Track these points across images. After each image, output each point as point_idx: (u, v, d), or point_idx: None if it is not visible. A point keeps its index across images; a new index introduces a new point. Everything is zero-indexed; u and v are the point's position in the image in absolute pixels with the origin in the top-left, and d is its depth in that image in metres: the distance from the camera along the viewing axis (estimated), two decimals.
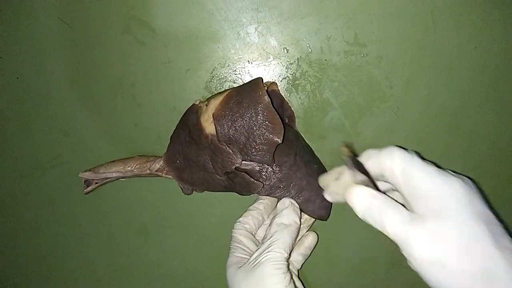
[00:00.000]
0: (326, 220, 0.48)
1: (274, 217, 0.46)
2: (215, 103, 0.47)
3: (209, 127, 0.47)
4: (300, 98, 0.53)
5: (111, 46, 0.53)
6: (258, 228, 0.48)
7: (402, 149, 0.33)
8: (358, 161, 0.35)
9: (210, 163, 0.49)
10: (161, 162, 0.52)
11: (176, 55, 0.53)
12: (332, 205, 0.49)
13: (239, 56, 0.52)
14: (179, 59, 0.53)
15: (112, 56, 0.53)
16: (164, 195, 0.56)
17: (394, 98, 0.53)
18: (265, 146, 0.46)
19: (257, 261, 0.41)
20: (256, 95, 0.46)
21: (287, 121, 0.53)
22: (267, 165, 0.48)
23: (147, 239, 0.58)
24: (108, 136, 0.55)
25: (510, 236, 0.29)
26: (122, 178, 0.55)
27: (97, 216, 0.57)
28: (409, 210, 0.31)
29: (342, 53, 0.52)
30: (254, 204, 0.49)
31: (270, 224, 0.45)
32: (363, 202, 0.33)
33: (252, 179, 0.47)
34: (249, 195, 0.49)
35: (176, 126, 0.52)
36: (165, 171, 0.52)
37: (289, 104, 0.53)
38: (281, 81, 0.53)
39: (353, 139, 0.54)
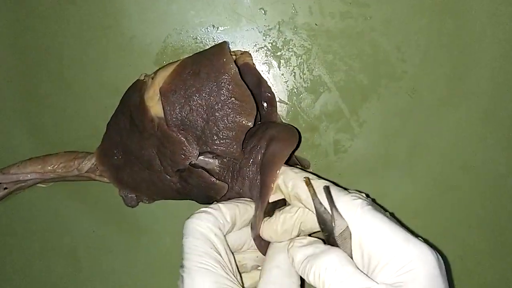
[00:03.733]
0: None
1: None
2: (163, 75, 0.42)
3: (155, 107, 0.42)
4: (283, 75, 0.49)
5: (33, 6, 0.48)
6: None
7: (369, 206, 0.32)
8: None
9: (157, 158, 0.43)
10: (94, 159, 0.46)
11: (118, 18, 0.48)
12: None
13: (201, 20, 0.48)
14: (122, 24, 0.48)
15: (34, 19, 0.48)
16: (100, 207, 0.51)
17: (408, 76, 0.48)
18: (231, 131, 0.41)
19: None
20: (219, 63, 0.40)
21: (265, 106, 0.48)
22: (234, 160, 0.42)
23: (77, 266, 0.52)
24: (27, 126, 0.50)
25: None
26: (41, 182, 0.49)
27: (7, 236, 0.51)
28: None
29: (338, 15, 0.48)
30: (235, 201, 0.40)
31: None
32: (305, 250, 0.33)
33: (214, 178, 0.41)
34: (211, 203, 0.43)
35: (115, 110, 0.46)
36: (98, 171, 0.47)
37: (268, 83, 0.48)
38: (257, 51, 0.49)
39: (355, 130, 0.49)
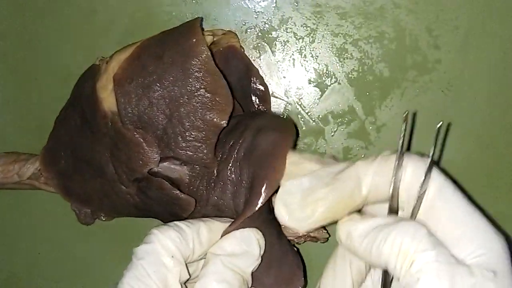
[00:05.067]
0: None
1: None
2: (119, 59, 0.42)
3: (108, 100, 0.42)
4: (278, 62, 0.48)
5: None
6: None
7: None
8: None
9: (110, 163, 0.42)
10: (38, 162, 0.47)
11: None
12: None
13: None
14: None
15: None
16: (47, 224, 0.51)
17: (443, 67, 0.47)
18: (200, 132, 0.40)
19: None
20: (187, 44, 0.40)
21: (256, 101, 0.48)
22: (206, 168, 0.41)
23: None
24: None
25: None
26: None
27: None
28: None
29: None
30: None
31: None
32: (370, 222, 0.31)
33: (177, 191, 0.40)
34: None
35: (66, 103, 0.47)
36: (43, 178, 0.47)
37: (260, 73, 0.47)
38: (246, 32, 0.48)
39: (370, 136, 0.48)
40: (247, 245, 0.37)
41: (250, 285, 0.37)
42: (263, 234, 0.39)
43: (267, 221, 0.40)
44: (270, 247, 0.40)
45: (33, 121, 0.50)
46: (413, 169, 0.31)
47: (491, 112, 0.48)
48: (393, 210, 0.32)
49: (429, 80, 0.47)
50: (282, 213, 0.35)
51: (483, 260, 0.29)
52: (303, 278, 0.41)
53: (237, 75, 0.47)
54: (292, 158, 0.38)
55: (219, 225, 0.38)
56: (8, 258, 0.52)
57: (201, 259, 0.38)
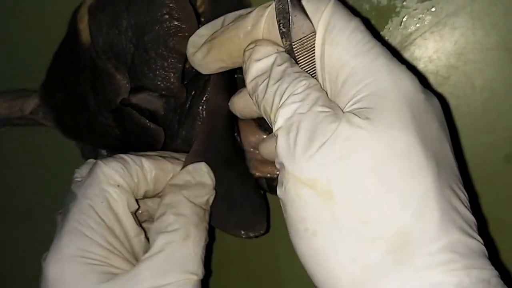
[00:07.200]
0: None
1: None
2: None
3: (85, 31, 0.42)
4: None
5: None
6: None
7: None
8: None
9: (92, 95, 0.43)
10: (37, 98, 0.48)
11: None
12: None
13: None
14: None
15: None
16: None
17: None
18: (164, 60, 0.39)
19: None
20: None
21: None
22: (177, 99, 0.41)
23: None
24: None
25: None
26: None
27: None
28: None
29: None
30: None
31: None
32: (266, 62, 0.29)
33: (145, 120, 0.40)
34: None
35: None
36: (41, 113, 0.48)
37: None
38: None
39: None
40: (200, 176, 0.37)
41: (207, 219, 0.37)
42: (221, 175, 0.38)
43: (226, 164, 0.40)
44: (229, 189, 0.39)
45: (42, 60, 0.49)
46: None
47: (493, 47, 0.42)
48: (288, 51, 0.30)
49: (431, 6, 0.43)
50: (188, 51, 0.35)
51: (361, 104, 0.26)
52: (266, 223, 0.39)
53: (227, 6, 0.45)
54: None
55: (167, 164, 0.37)
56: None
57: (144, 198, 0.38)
